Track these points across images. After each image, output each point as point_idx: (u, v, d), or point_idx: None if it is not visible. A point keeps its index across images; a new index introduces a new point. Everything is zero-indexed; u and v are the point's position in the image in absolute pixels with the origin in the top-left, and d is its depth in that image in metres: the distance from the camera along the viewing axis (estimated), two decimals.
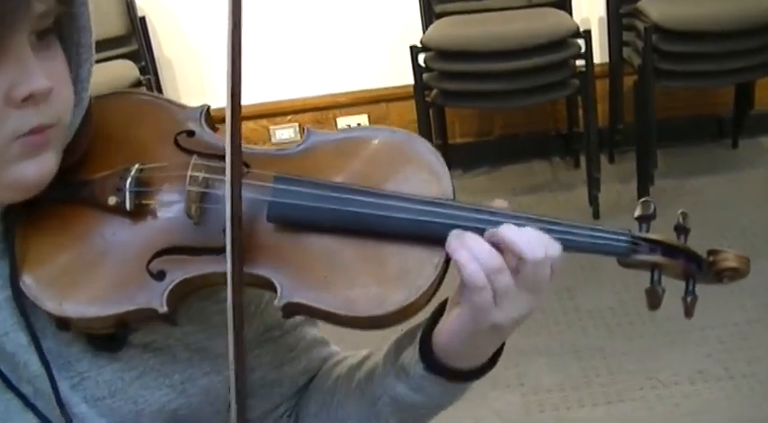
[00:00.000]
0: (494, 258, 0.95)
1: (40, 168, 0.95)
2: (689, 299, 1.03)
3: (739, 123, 4.61)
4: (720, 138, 4.68)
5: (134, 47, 4.20)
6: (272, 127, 4.65)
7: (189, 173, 0.99)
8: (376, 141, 1.06)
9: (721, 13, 3.90)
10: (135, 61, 4.11)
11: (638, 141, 4.22)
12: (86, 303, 0.97)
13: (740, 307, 3.38)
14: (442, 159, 1.04)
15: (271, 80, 4.51)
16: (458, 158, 4.44)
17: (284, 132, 4.67)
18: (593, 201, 4.11)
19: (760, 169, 4.41)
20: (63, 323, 0.99)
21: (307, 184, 1.00)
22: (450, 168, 1.05)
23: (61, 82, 0.96)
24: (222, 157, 0.97)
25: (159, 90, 4.42)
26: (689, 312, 1.03)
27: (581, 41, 3.94)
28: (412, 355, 1.06)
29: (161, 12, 4.50)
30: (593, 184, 4.10)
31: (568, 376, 3.17)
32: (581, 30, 3.93)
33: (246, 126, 4.49)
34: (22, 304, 0.99)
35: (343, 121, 4.71)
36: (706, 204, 3.99)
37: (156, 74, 4.41)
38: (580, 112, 4.28)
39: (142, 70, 4.12)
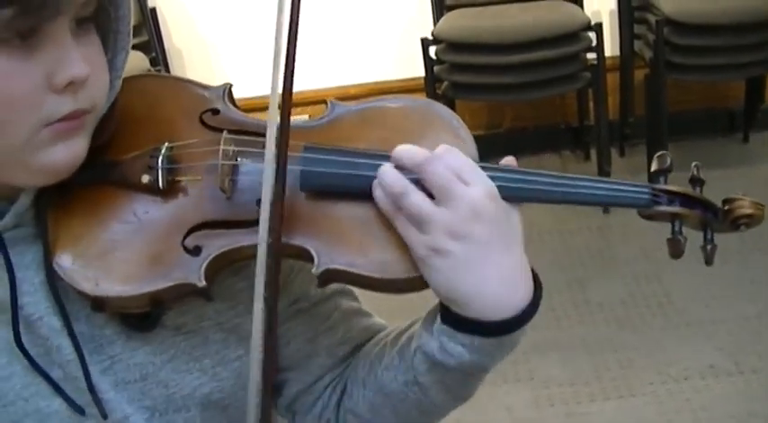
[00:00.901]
0: (396, 180, 0.96)
1: (71, 152, 0.96)
2: (708, 247, 1.05)
3: (750, 117, 4.59)
4: (731, 132, 4.67)
5: (144, 38, 4.20)
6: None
7: (221, 147, 1.00)
8: (399, 109, 1.08)
9: (733, 6, 3.88)
10: (145, 52, 4.10)
11: (648, 135, 4.21)
12: (123, 282, 0.98)
13: (751, 301, 3.37)
14: (464, 124, 1.06)
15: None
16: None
17: (295, 123, 4.65)
18: None
19: None
20: (98, 304, 0.99)
21: (337, 152, 1.01)
22: None
23: (99, 68, 0.97)
24: (250, 133, 1.03)
25: None
26: (709, 260, 1.05)
27: (592, 34, 3.94)
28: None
29: (171, 2, 4.49)
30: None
31: (579, 371, 3.17)
32: (592, 23, 3.93)
33: (257, 117, 4.49)
34: (56, 288, 1.00)
35: None
36: (716, 198, 3.90)
37: (166, 64, 4.40)
38: (591, 105, 4.27)
39: (152, 61, 4.12)
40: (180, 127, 1.06)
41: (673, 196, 1.04)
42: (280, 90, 0.97)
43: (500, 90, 4.07)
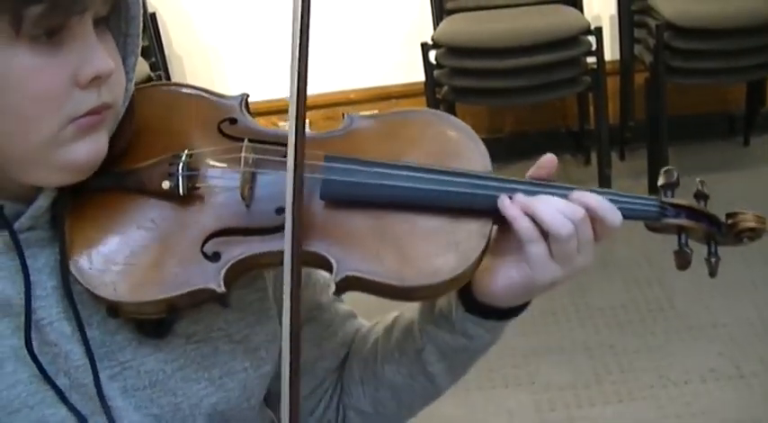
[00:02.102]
0: (577, 210, 1.01)
1: (93, 148, 0.98)
2: (713, 260, 1.10)
3: (751, 121, 4.59)
4: (732, 135, 4.67)
5: (144, 43, 4.20)
6: (281, 123, 4.63)
7: (242, 155, 1.02)
8: (416, 121, 1.11)
9: (733, 10, 3.88)
10: (145, 57, 4.10)
11: (649, 139, 4.20)
12: (141, 287, 0.99)
13: (752, 304, 3.37)
14: (476, 135, 1.09)
15: (281, 76, 4.50)
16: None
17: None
18: None
19: None
20: (115, 309, 1.00)
21: (357, 162, 1.03)
22: None
23: (118, 64, 0.99)
24: (269, 142, 1.05)
25: None
26: (713, 273, 1.09)
27: (592, 38, 3.93)
28: (447, 302, 1.11)
29: (171, 7, 4.49)
30: (605, 182, 4.08)
31: (579, 375, 3.16)
32: (592, 27, 3.92)
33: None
34: (71, 292, 1.00)
35: None
36: (717, 202, 3.88)
37: (166, 70, 4.40)
38: (591, 109, 4.27)
39: (153, 66, 4.12)
40: (198, 136, 1.07)
41: (679, 209, 1.09)
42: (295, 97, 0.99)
43: (500, 94, 4.07)
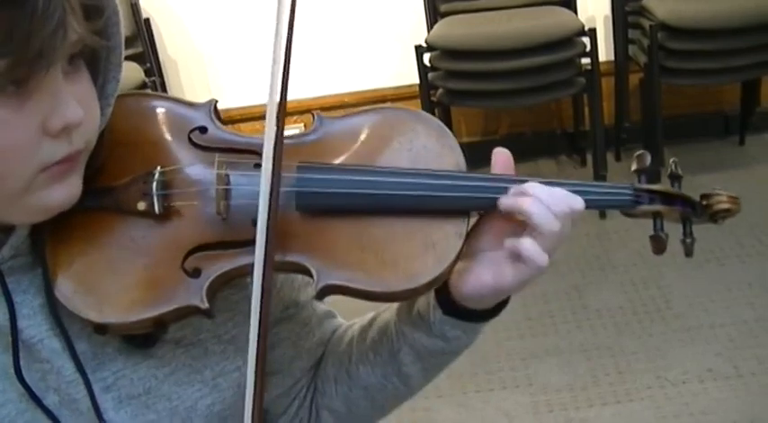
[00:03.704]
0: (563, 201, 1.01)
1: (67, 192, 0.97)
2: (688, 240, 1.10)
3: (746, 120, 4.59)
4: (727, 135, 4.67)
5: (139, 49, 4.20)
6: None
7: (215, 171, 1.01)
8: (386, 121, 1.10)
9: (727, 10, 3.88)
10: (140, 63, 4.10)
11: (644, 139, 4.21)
12: (126, 308, 0.99)
13: (749, 305, 3.37)
14: (449, 132, 1.08)
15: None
16: (464, 158, 4.42)
17: (290, 132, 4.65)
18: None
19: (767, 166, 4.40)
20: (102, 329, 1.00)
21: (329, 171, 1.03)
22: None
23: (90, 106, 0.97)
24: (239, 151, 1.04)
25: (164, 91, 4.42)
26: (689, 252, 1.10)
27: (586, 40, 3.94)
28: (425, 303, 1.10)
29: (165, 13, 4.49)
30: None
31: (577, 376, 3.16)
32: (586, 28, 3.93)
33: (252, 127, 4.49)
34: (57, 312, 1.00)
35: None
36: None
37: (161, 75, 4.40)
38: (586, 110, 4.27)
39: (147, 72, 4.12)
40: (169, 148, 1.06)
41: (654, 195, 1.08)
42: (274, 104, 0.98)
43: (495, 96, 4.07)
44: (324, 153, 1.06)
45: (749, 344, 3.20)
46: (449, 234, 1.02)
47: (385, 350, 1.16)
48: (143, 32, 4.21)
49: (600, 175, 4.08)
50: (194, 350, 1.09)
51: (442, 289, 1.07)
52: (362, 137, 1.08)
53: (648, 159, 1.11)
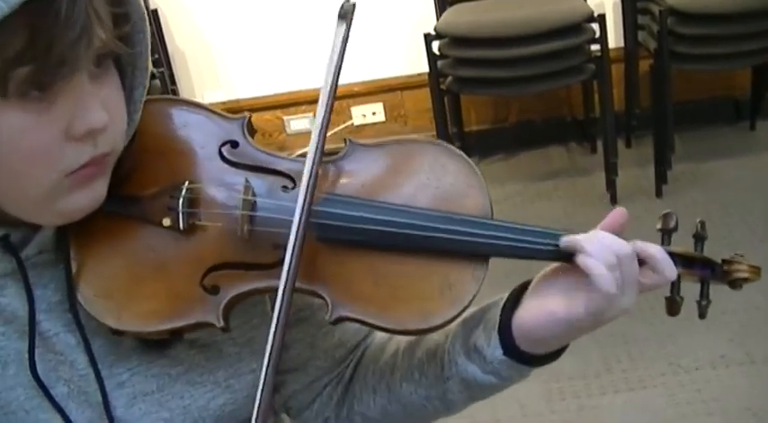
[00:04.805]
0: (624, 248, 1.02)
1: (91, 197, 0.98)
2: (704, 302, 1.13)
3: (756, 106, 4.58)
4: (738, 120, 4.66)
5: None
6: (286, 117, 4.64)
7: (241, 197, 1.02)
8: (416, 154, 1.09)
9: None
10: None
11: (654, 125, 4.19)
12: (144, 317, 1.00)
13: (761, 291, 3.35)
14: (478, 171, 1.08)
15: (285, 71, 4.50)
16: (474, 146, 4.44)
17: (299, 123, 4.66)
18: (611, 185, 4.09)
19: None
20: (118, 333, 1.01)
21: (356, 207, 1.03)
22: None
23: (117, 110, 0.97)
24: (269, 171, 1.05)
25: (173, 83, 4.42)
26: (702, 315, 1.13)
27: (595, 26, 3.92)
28: (485, 338, 1.09)
29: (173, 4, 4.49)
30: (611, 169, 4.07)
31: (590, 364, 3.16)
32: (595, 14, 3.91)
33: (261, 117, 4.49)
34: (76, 310, 1.01)
35: (357, 111, 4.70)
36: (724, 187, 3.96)
37: (169, 67, 4.40)
38: (596, 97, 4.26)
39: (155, 63, 4.11)
40: (199, 161, 1.07)
41: (675, 257, 1.08)
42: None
43: (504, 84, 4.05)
44: (351, 181, 1.06)
45: (761, 330, 3.19)
46: (466, 277, 1.02)
47: (432, 374, 1.15)
48: (151, 23, 4.19)
49: (611, 162, 4.07)
50: (209, 352, 1.09)
51: (504, 327, 1.07)
52: (391, 168, 1.08)
53: (674, 221, 1.09)
